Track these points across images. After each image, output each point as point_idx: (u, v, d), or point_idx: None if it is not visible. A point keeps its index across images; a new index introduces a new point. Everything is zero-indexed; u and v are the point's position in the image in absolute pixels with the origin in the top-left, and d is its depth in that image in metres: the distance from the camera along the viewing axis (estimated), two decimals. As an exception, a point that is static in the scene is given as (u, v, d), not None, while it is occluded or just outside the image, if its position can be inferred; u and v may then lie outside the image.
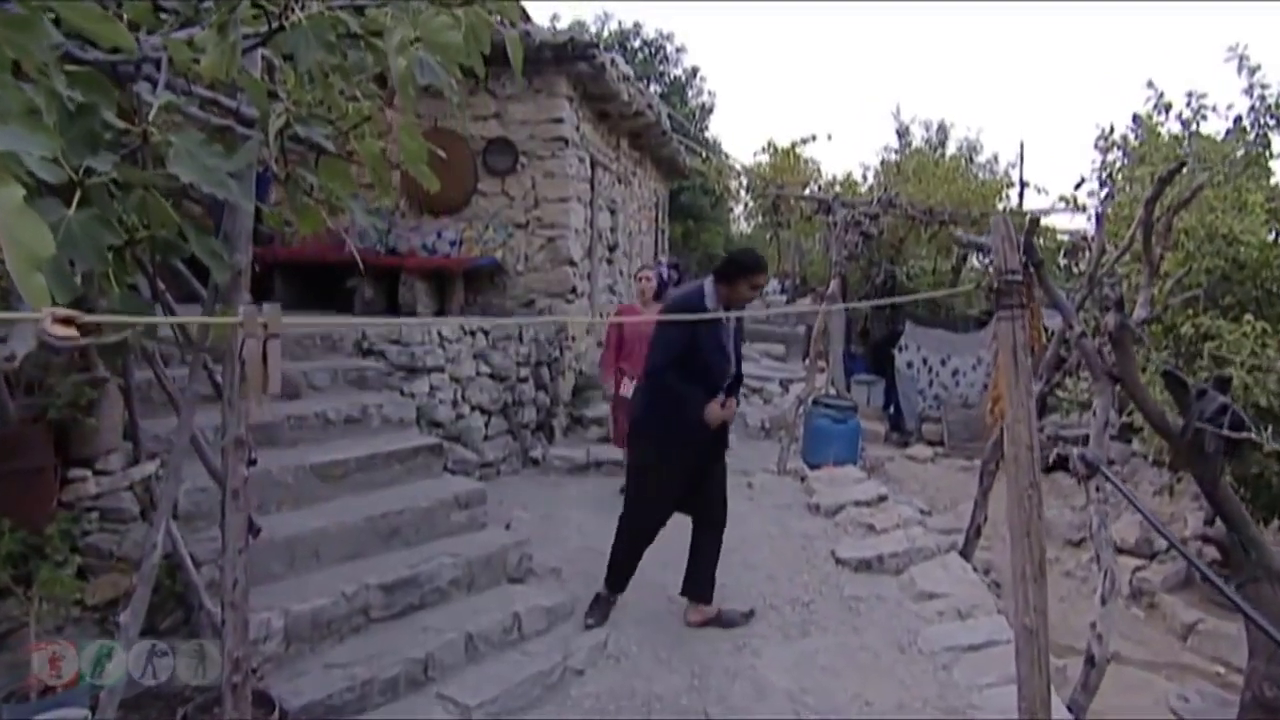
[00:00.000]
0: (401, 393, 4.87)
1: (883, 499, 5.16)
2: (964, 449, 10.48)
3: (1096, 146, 5.76)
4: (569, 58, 6.35)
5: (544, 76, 6.57)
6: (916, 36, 50.38)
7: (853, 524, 4.80)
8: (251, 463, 2.68)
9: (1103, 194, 5.61)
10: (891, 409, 11.57)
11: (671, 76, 21.52)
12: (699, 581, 3.75)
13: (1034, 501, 1.74)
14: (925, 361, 11.30)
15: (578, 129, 7.12)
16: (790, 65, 49.75)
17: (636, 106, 8.10)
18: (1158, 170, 4.11)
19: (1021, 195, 10.99)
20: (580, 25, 18.22)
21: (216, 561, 2.91)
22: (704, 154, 15.66)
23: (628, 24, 21.40)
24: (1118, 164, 5.68)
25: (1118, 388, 2.95)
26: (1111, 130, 5.70)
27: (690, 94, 21.71)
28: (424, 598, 3.50)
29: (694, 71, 22.14)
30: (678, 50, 21.44)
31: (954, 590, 3.87)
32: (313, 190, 2.49)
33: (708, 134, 21.12)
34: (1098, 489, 3.02)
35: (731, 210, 26.15)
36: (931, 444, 10.83)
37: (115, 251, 2.12)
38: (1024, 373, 1.77)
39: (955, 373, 11.23)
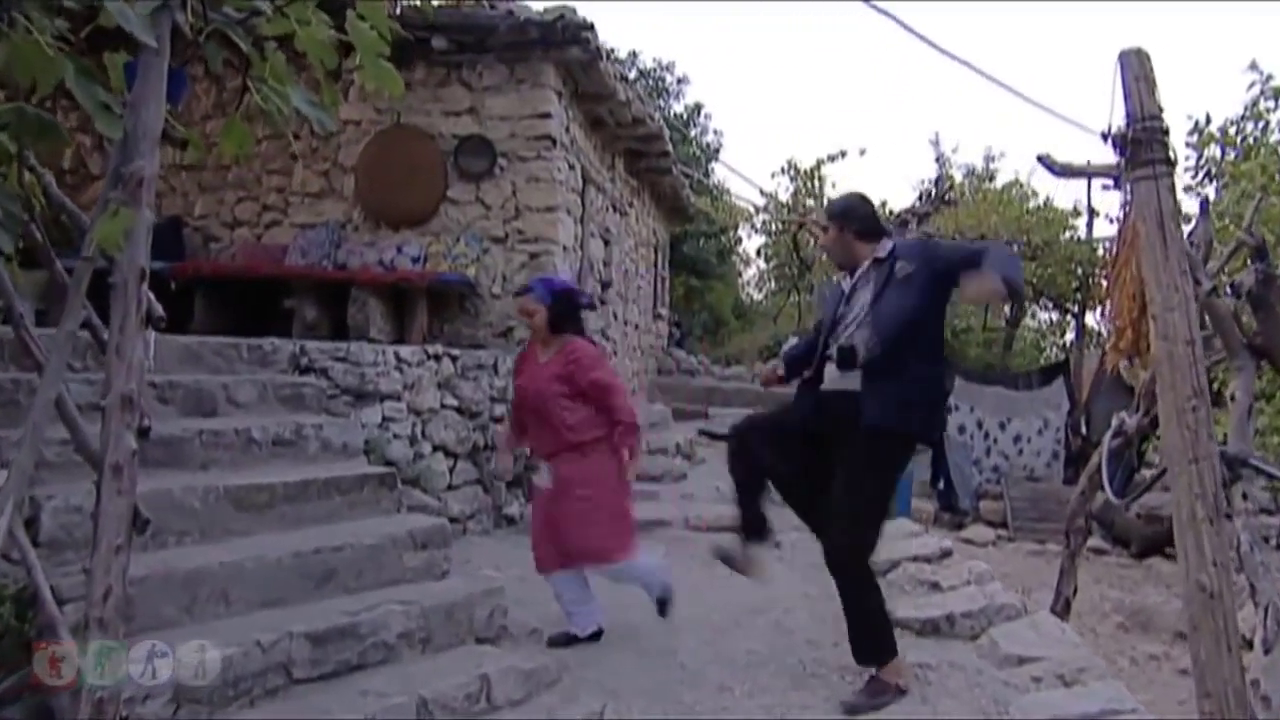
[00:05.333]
0: (347, 419, 4.60)
1: (947, 554, 4.85)
2: (1032, 530, 10.13)
3: (1188, 144, 5.71)
4: (558, 41, 6.34)
5: (528, 64, 6.55)
6: (957, 70, 52.36)
7: (911, 582, 4.49)
8: (143, 432, 2.41)
9: (1202, 189, 5.52)
10: (941, 483, 11.23)
11: (672, 113, 22.02)
12: (853, 640, 3.43)
13: (1200, 417, 1.48)
14: (981, 425, 11.06)
15: (567, 130, 7.07)
16: (808, 103, 51.33)
17: (635, 112, 8.11)
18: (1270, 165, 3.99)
19: (1090, 224, 10.98)
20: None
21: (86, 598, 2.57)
22: (712, 194, 15.83)
23: (623, 53, 21.95)
24: (1215, 159, 5.61)
25: (1262, 363, 2.71)
26: (1208, 121, 5.65)
27: (694, 132, 22.15)
28: (365, 654, 3.16)
29: (698, 108, 22.67)
30: (679, 82, 21.95)
31: (1051, 653, 3.54)
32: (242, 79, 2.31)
33: (714, 177, 21.44)
34: (1244, 496, 2.75)
35: (740, 275, 26.36)
36: (992, 525, 10.46)
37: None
38: (1174, 246, 1.55)
39: (1017, 438, 10.98)
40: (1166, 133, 1.59)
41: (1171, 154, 1.66)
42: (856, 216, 3.47)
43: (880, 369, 3.25)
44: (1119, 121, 1.67)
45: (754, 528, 3.65)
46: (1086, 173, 2.55)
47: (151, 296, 2.39)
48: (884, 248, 3.41)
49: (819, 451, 3.43)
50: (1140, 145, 1.56)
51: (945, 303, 3.44)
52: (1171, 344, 1.52)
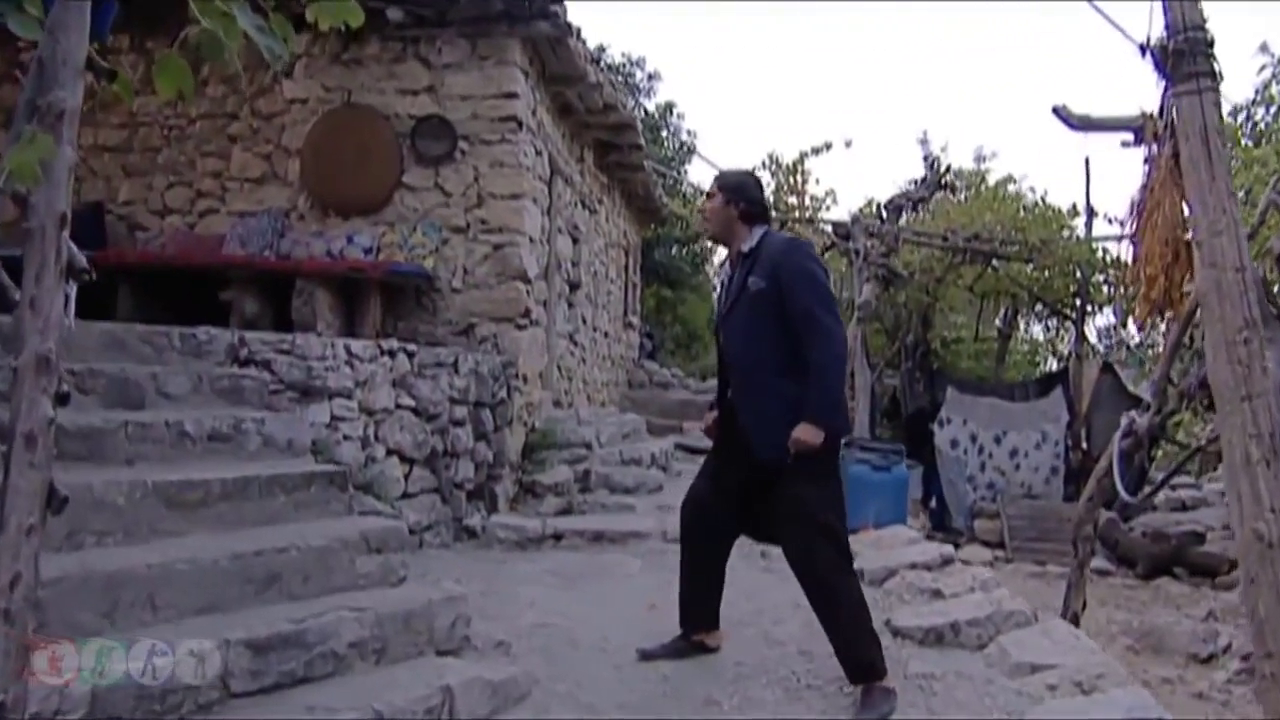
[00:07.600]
0: (292, 414, 4.47)
1: (948, 562, 4.81)
2: (1031, 551, 10.14)
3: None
4: (525, 15, 6.30)
5: (492, 39, 6.49)
6: (943, 68, 53.34)
7: (910, 590, 4.43)
8: (62, 399, 2.29)
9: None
10: (933, 502, 11.26)
11: (644, 112, 22.08)
12: (840, 657, 3.38)
13: (1253, 350, 1.43)
14: (974, 439, 11.09)
15: (534, 113, 7.02)
16: (789, 102, 51.92)
17: (606, 98, 8.09)
18: None
19: (1090, 223, 11.04)
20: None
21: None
22: (685, 197, 15.84)
23: (590, 47, 22.00)
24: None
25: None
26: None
27: (666, 133, 22.23)
28: (312, 665, 3.02)
29: (670, 107, 22.78)
30: (650, 78, 22.06)
31: (1065, 660, 3.49)
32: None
33: (687, 180, 21.52)
34: (1278, 478, 2.72)
35: (715, 287, 26.46)
36: (989, 545, 10.46)
37: None
38: (1221, 166, 1.51)
39: (1014, 453, 11.01)
40: (1212, 44, 1.56)
41: (1216, 67, 1.63)
42: (747, 196, 3.59)
43: (753, 389, 3.44)
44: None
45: (695, 607, 3.76)
46: (1106, 126, 2.53)
47: (73, 247, 2.28)
48: (753, 238, 3.54)
49: (749, 481, 3.53)
50: (1183, 57, 1.53)
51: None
52: (1220, 271, 1.48)
